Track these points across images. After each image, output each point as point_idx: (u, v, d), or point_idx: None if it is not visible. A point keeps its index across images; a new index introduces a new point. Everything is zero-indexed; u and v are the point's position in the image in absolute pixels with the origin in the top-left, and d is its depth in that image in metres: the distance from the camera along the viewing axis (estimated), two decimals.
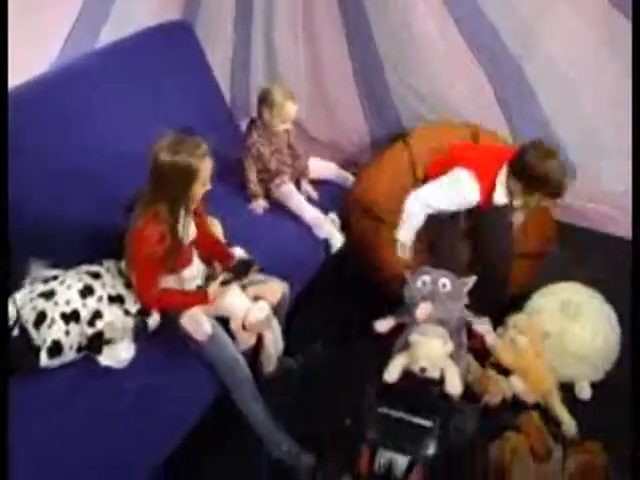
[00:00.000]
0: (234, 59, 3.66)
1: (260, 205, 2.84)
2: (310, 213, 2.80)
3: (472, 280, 2.34)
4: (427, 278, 2.31)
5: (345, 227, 2.89)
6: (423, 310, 2.23)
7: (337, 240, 2.79)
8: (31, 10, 2.38)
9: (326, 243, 2.79)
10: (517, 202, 2.45)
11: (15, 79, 2.28)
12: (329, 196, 2.99)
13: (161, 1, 3.09)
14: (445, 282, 2.29)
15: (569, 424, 2.43)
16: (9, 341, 1.96)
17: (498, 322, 2.58)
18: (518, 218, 2.64)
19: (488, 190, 2.44)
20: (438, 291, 2.27)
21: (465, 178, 2.42)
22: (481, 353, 2.56)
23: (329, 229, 2.79)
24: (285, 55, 3.64)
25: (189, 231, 2.18)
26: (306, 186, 2.97)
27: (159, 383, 1.98)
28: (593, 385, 2.59)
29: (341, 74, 3.63)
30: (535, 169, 2.30)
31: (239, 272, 2.22)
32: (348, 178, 3.11)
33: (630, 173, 2.41)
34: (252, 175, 2.81)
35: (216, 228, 2.52)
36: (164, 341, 2.12)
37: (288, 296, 2.40)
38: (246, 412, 2.17)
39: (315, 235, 2.78)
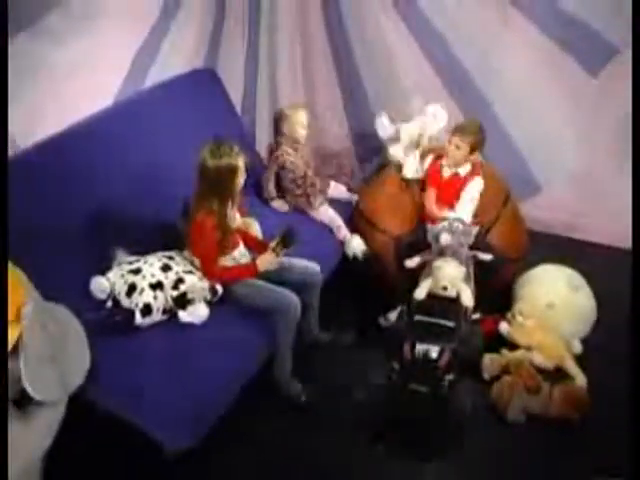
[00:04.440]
0: (244, 99, 4.24)
1: (280, 205, 3.36)
2: (342, 231, 3.30)
3: (476, 228, 2.94)
4: (445, 223, 2.91)
5: None
6: (445, 238, 2.82)
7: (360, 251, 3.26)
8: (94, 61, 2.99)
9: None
10: None
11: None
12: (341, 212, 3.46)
13: (190, 54, 3.72)
14: (458, 224, 2.89)
15: (580, 378, 2.88)
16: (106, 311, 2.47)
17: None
18: None
19: None
20: (453, 228, 2.88)
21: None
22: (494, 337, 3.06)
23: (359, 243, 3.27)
24: (286, 95, 4.25)
25: (234, 219, 2.68)
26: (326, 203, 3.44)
27: (228, 337, 2.47)
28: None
29: (332, 107, 4.26)
30: None
31: (287, 241, 2.66)
32: (354, 198, 3.59)
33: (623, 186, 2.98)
34: (270, 183, 3.35)
35: (254, 227, 3.03)
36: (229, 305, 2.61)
37: (321, 278, 2.91)
38: (279, 337, 2.64)
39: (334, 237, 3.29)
